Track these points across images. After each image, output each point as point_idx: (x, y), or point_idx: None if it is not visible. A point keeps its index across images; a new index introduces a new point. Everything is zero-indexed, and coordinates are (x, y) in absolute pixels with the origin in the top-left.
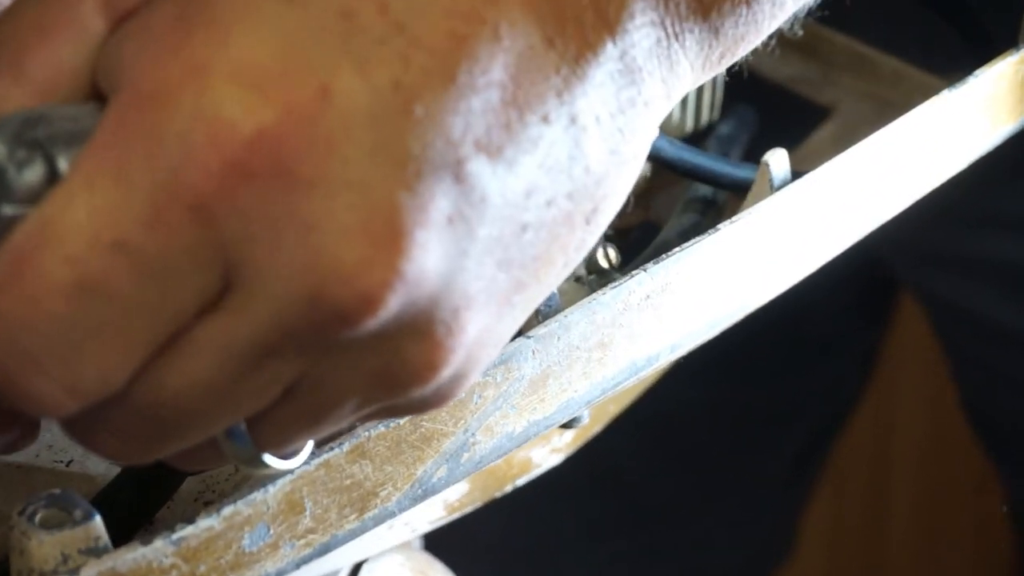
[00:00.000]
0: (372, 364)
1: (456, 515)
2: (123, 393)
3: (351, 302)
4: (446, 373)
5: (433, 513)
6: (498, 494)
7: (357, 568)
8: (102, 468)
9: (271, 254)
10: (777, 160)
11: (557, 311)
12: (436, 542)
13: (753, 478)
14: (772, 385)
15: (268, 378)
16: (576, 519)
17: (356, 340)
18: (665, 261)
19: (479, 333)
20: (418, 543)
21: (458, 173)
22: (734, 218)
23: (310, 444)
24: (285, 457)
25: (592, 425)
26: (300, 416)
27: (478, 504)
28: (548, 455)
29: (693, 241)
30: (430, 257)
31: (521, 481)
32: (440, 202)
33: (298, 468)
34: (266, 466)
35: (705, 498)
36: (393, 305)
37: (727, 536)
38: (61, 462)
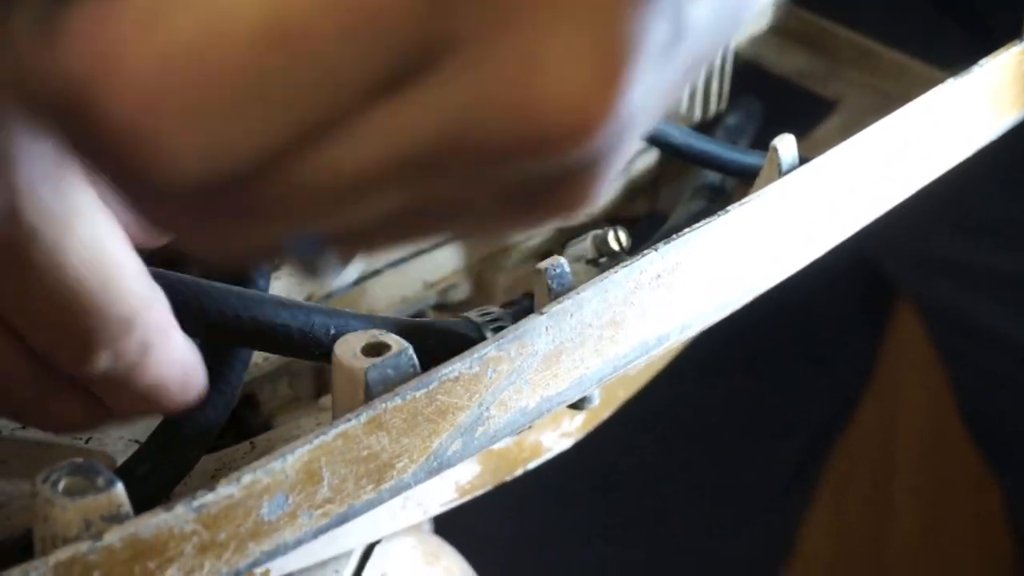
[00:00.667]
0: (513, 194)
1: (467, 497)
2: (249, 175)
3: (562, 128)
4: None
5: (445, 495)
6: (508, 477)
7: (369, 550)
8: (120, 445)
9: (488, 45)
10: (785, 145)
11: (570, 288)
12: (444, 537)
13: (755, 480)
14: (774, 390)
15: (405, 191)
16: (579, 521)
17: (528, 171)
18: (676, 241)
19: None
20: (429, 527)
21: None
22: (743, 200)
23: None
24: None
25: (602, 410)
26: (395, 235)
27: (489, 487)
28: (558, 439)
29: (704, 222)
30: (637, 94)
31: (531, 465)
32: (661, 26)
33: (316, 438)
34: (321, 274)
35: (708, 500)
36: (598, 145)
37: (730, 538)
38: (80, 439)
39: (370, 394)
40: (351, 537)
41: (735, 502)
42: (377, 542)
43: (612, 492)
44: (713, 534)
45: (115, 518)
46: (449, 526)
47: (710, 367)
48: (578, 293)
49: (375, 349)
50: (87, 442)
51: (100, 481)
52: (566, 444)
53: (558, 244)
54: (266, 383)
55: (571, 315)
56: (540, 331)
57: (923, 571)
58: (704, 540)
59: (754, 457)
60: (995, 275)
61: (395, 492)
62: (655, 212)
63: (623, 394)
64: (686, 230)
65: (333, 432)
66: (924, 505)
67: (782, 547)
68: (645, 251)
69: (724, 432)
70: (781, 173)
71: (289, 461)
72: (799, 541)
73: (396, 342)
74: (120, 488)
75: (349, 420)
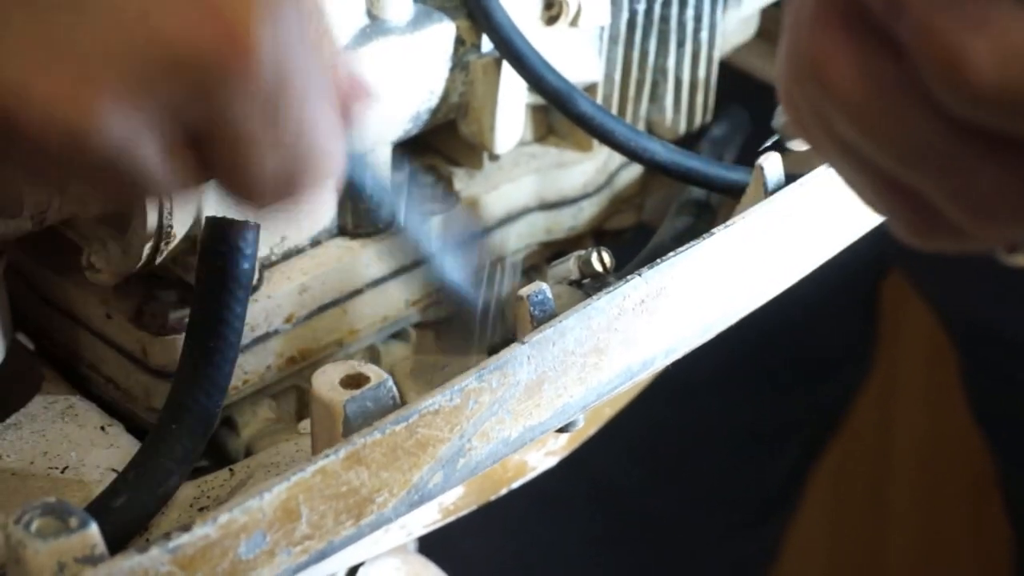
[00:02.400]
0: None
1: (451, 518)
2: None
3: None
4: None
5: (428, 516)
6: (493, 497)
7: (353, 572)
8: (96, 475)
9: None
10: (771, 164)
11: (552, 316)
12: (430, 556)
13: (747, 490)
14: (770, 400)
15: None
16: (566, 538)
17: None
18: (660, 266)
19: None
20: (413, 546)
21: None
22: (728, 222)
23: None
24: None
25: (587, 428)
26: None
27: (473, 507)
28: (543, 458)
29: (687, 246)
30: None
31: (516, 484)
32: None
33: (293, 475)
34: None
35: (700, 511)
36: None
37: (721, 547)
38: (56, 468)
39: (349, 428)
40: (334, 560)
41: (726, 513)
42: (360, 564)
43: (600, 509)
44: (704, 545)
45: (89, 559)
46: (435, 545)
47: (701, 380)
48: (560, 321)
49: (354, 381)
50: (63, 472)
51: (73, 521)
52: (551, 462)
53: (542, 259)
54: (246, 406)
55: (553, 344)
56: (522, 361)
57: (921, 569)
58: (695, 551)
59: (747, 468)
60: (1013, 276)
61: (375, 527)
62: (641, 225)
63: (609, 411)
64: (670, 253)
65: (311, 468)
66: (921, 506)
67: (771, 553)
68: (629, 276)
69: (715, 444)
70: (767, 192)
71: (266, 499)
72: (790, 546)
73: (376, 373)
74: (94, 528)
75: (327, 456)
